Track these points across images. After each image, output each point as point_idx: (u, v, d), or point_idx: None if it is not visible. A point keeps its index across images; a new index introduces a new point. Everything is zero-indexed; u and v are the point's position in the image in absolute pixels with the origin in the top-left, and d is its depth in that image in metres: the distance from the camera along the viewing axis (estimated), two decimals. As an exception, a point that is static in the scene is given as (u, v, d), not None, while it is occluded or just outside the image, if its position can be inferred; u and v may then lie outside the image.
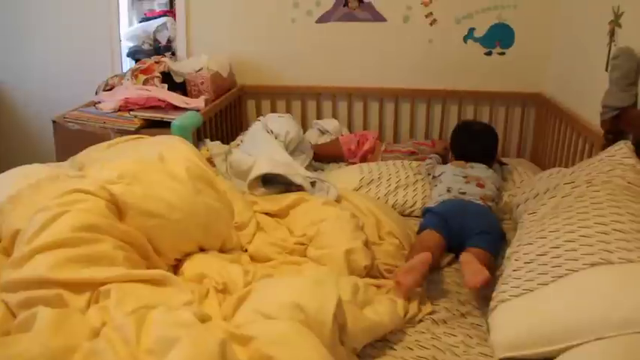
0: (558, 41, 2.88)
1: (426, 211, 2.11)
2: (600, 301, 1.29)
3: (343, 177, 2.40)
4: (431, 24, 3.04)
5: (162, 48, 4.17)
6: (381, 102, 3.19)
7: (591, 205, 1.57)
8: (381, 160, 2.71)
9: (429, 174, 2.39)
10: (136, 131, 2.52)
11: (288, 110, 3.25)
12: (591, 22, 2.46)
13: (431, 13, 3.03)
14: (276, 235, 1.89)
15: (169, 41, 4.27)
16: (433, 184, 2.30)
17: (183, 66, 3.02)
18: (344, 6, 3.08)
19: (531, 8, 2.94)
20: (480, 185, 2.18)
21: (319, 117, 3.25)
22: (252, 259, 1.79)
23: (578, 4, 2.64)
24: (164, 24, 4.22)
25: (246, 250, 1.82)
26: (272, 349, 1.12)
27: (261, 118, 2.65)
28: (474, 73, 3.08)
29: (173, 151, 1.86)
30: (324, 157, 2.77)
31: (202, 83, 2.93)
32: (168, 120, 2.53)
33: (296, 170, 2.16)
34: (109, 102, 2.68)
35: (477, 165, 2.30)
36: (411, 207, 2.27)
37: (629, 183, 1.68)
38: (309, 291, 1.26)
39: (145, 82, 2.89)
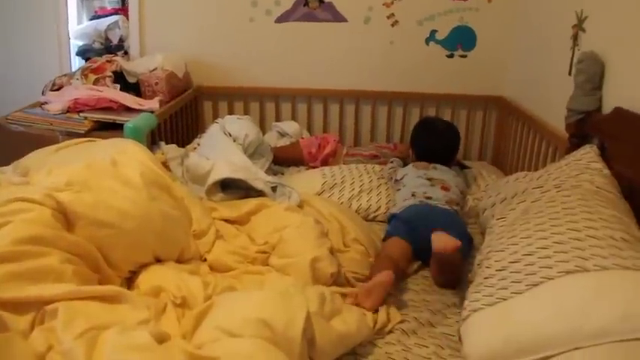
0: (519, 45, 2.90)
1: (392, 218, 2.05)
2: (577, 309, 1.25)
3: (305, 181, 2.32)
4: (392, 25, 3.01)
5: (113, 47, 4.02)
6: (341, 104, 3.13)
7: (563, 211, 1.54)
8: (343, 164, 2.65)
9: (391, 178, 2.34)
10: (86, 134, 2.37)
11: (247, 112, 3.15)
12: (554, 26, 2.47)
13: (392, 14, 2.99)
14: (236, 243, 1.80)
15: (121, 40, 4.12)
16: (396, 187, 2.25)
17: (136, 65, 2.88)
18: (304, 5, 3.00)
19: (493, 11, 2.94)
20: (445, 188, 2.14)
21: (278, 119, 3.16)
22: (212, 268, 1.69)
23: (541, 8, 2.65)
24: (116, 22, 4.07)
25: (205, 260, 1.71)
26: (237, 370, 1.03)
27: (219, 120, 2.54)
28: (436, 76, 3.06)
29: (126, 155, 1.74)
30: (284, 160, 2.68)
31: (157, 84, 2.79)
32: (121, 122, 2.39)
33: (256, 175, 2.07)
34: (57, 103, 2.51)
35: (440, 166, 2.26)
36: (375, 212, 2.22)
37: (597, 187, 1.67)
38: (276, 305, 1.17)
39: (96, 82, 2.74)
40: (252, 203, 1.92)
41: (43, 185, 1.48)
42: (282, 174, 2.61)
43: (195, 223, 1.75)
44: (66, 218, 1.40)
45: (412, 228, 1.92)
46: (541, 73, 2.63)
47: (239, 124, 2.42)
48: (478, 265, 1.63)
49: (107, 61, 2.83)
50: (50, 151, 2.08)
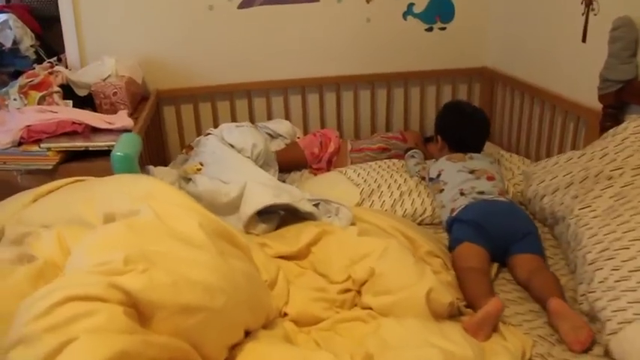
0: (500, 12, 2.76)
1: (452, 222, 1.83)
2: None
3: (337, 191, 2.01)
4: (367, 1, 2.74)
5: (7, 51, 3.47)
6: (320, 93, 2.84)
7: (682, 196, 1.42)
8: (351, 162, 2.39)
9: (423, 177, 2.12)
10: (55, 168, 1.92)
11: (215, 113, 2.77)
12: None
13: (367, -11, 2.73)
14: (307, 284, 1.50)
15: (15, 42, 3.60)
16: (435, 187, 2.02)
17: (83, 75, 2.40)
18: (270, -14, 2.65)
19: (471, -22, 2.77)
20: (490, 178, 1.96)
21: (251, 117, 2.81)
22: (297, 324, 1.38)
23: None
24: (5, 22, 3.51)
25: (285, 315, 1.40)
26: None
27: (212, 130, 2.17)
28: (417, 52, 2.85)
29: (160, 201, 1.36)
30: (285, 165, 2.36)
31: (115, 94, 2.33)
32: (97, 149, 1.96)
33: (298, 195, 1.76)
34: (2, 134, 2.00)
35: (475, 155, 2.07)
36: (421, 215, 1.98)
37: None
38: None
39: (41, 101, 2.23)
40: (310, 232, 1.61)
41: (91, 267, 1.09)
42: (284, 182, 2.29)
43: (264, 272, 1.42)
44: (138, 311, 1.04)
45: (482, 230, 1.72)
46: (529, 38, 2.53)
47: (241, 134, 2.08)
48: (592, 264, 1.46)
49: (49, 74, 2.31)
50: (23, 203, 1.64)
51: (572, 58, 2.23)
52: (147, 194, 1.40)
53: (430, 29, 2.84)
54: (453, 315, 1.44)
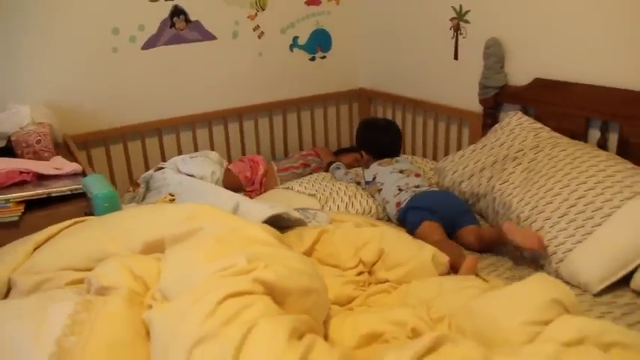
0: (372, 39, 3.26)
1: (407, 211, 2.18)
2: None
3: (298, 202, 2.24)
4: (259, 37, 3.03)
5: None
6: (225, 124, 3.02)
7: (575, 161, 1.98)
8: (280, 181, 2.64)
9: (358, 183, 2.46)
10: (20, 220, 1.82)
11: (127, 154, 2.77)
12: (415, 20, 2.95)
13: (258, 26, 3.01)
14: (325, 274, 1.71)
15: None
16: (374, 189, 2.37)
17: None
18: (170, 27, 2.77)
19: (342, 13, 3.23)
20: (417, 175, 2.38)
21: (162, 153, 2.87)
22: (338, 304, 1.61)
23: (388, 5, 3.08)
24: None
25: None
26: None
27: (165, 164, 2.24)
28: (303, 79, 3.21)
29: (209, 218, 1.49)
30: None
31: (39, 141, 2.25)
32: (60, 194, 1.90)
33: (283, 206, 1.96)
34: (-57, 192, 1.82)
35: (399, 158, 2.48)
36: (369, 212, 2.30)
37: (568, 142, 2.15)
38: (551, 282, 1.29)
39: (-39, 156, 2.06)
40: (312, 234, 1.82)
41: (209, 274, 1.20)
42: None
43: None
44: (274, 299, 1.20)
45: (434, 212, 2.10)
46: (403, 61, 3.06)
47: (198, 163, 2.22)
48: (526, 220, 1.93)
49: (-37, 126, 2.14)
50: (25, 252, 1.59)
51: (447, 73, 2.79)
52: (189, 216, 1.51)
53: (313, 59, 3.23)
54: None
